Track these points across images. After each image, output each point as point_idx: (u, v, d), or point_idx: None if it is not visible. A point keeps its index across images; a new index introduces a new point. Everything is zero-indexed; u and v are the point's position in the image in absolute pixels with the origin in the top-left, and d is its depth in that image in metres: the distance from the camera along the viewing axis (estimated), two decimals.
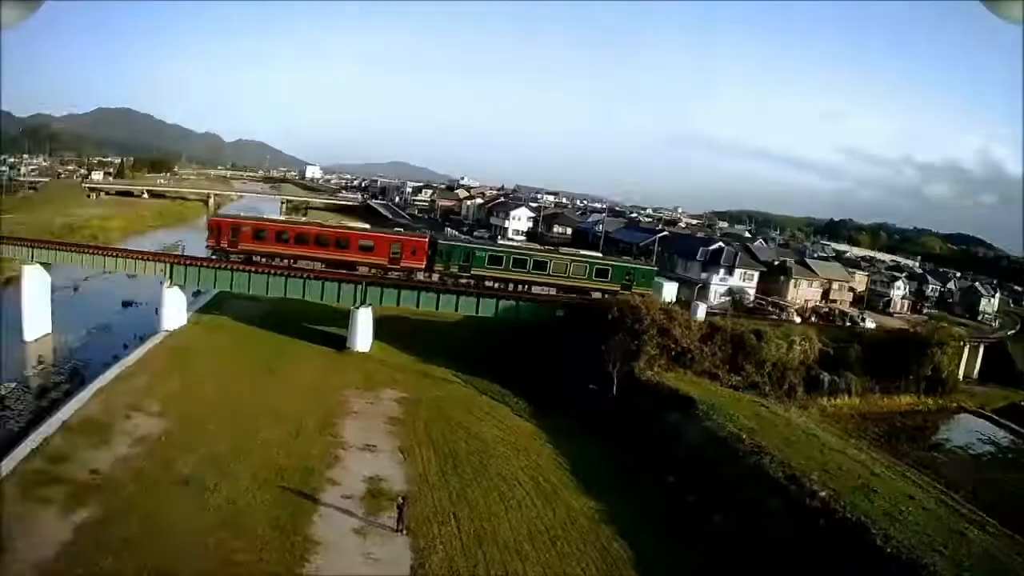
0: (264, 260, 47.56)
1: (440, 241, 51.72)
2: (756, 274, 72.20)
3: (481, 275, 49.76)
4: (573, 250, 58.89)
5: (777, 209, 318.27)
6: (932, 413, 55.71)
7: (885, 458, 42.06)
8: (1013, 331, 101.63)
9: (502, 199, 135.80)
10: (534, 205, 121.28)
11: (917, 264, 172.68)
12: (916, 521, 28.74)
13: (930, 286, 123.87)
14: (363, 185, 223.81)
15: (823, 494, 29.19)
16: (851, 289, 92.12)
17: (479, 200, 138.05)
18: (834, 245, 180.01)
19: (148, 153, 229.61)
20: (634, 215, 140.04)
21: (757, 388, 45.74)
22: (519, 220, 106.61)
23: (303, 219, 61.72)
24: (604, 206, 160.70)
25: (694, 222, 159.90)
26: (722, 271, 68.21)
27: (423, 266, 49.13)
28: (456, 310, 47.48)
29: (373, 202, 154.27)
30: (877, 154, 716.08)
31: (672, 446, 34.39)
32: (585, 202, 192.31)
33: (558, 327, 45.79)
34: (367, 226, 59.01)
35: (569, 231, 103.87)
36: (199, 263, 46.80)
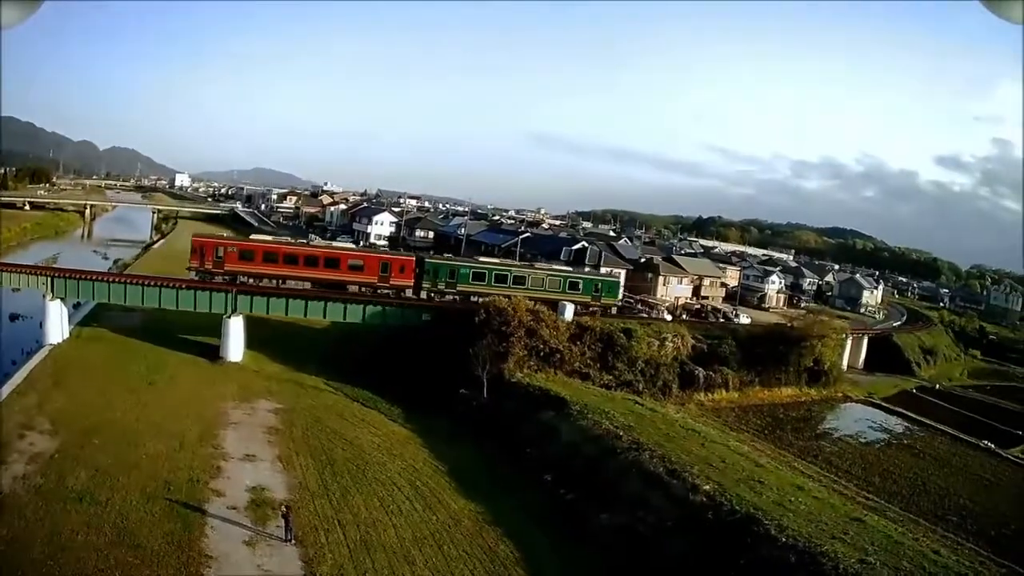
0: (251, 281, 64.49)
1: (427, 260, 71.77)
2: (623, 273, 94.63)
3: (466, 291, 68.95)
4: (547, 265, 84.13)
5: (643, 208, 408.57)
6: (816, 403, 77.24)
7: (770, 449, 57.62)
8: (899, 322, 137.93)
9: (365, 204, 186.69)
10: (396, 210, 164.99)
11: (791, 258, 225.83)
12: (809, 510, 38.47)
13: (806, 280, 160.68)
14: (229, 193, 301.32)
15: (707, 488, 38.12)
16: (723, 285, 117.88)
17: (343, 206, 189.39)
18: (702, 241, 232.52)
19: (28, 162, 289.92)
20: (496, 217, 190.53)
21: (631, 386, 62.62)
22: (381, 225, 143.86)
23: (289, 239, 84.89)
24: (466, 209, 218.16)
25: (557, 223, 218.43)
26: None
27: (411, 283, 68.33)
28: (324, 316, 64.62)
29: (239, 210, 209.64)
30: (749, 153, 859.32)
31: (547, 446, 45.92)
32: (447, 205, 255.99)
33: (427, 331, 61.87)
34: (352, 245, 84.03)
35: (431, 235, 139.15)
36: (78, 275, 61.88)
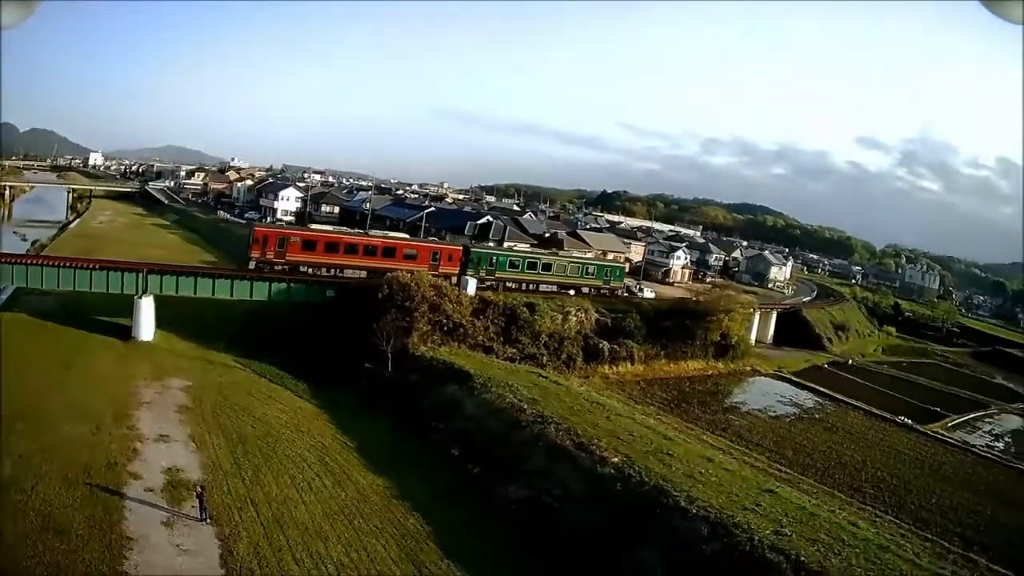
0: (310, 271, 71.74)
1: (472, 249, 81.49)
2: (527, 247, 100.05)
3: (504, 277, 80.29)
4: (567, 252, 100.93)
5: (547, 183, 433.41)
6: (724, 377, 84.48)
7: (677, 422, 61.68)
8: (808, 298, 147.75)
9: (271, 180, 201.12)
10: (302, 185, 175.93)
11: (699, 234, 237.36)
12: (720, 482, 41.11)
13: (713, 255, 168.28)
14: (140, 170, 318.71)
15: (616, 460, 40.74)
16: (627, 259, 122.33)
17: (249, 182, 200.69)
18: (607, 216, 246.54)
19: None
20: (400, 192, 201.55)
21: (534, 359, 68.67)
22: (288, 200, 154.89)
23: (348, 229, 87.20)
24: (371, 184, 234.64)
25: (461, 197, 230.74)
26: (491, 245, 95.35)
27: (458, 271, 76.99)
28: (231, 295, 68.15)
29: (150, 187, 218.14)
30: (657, 129, 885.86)
31: (452, 419, 49.71)
32: (351, 180, 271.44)
33: (333, 307, 66.85)
34: (406, 235, 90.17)
35: (337, 210, 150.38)
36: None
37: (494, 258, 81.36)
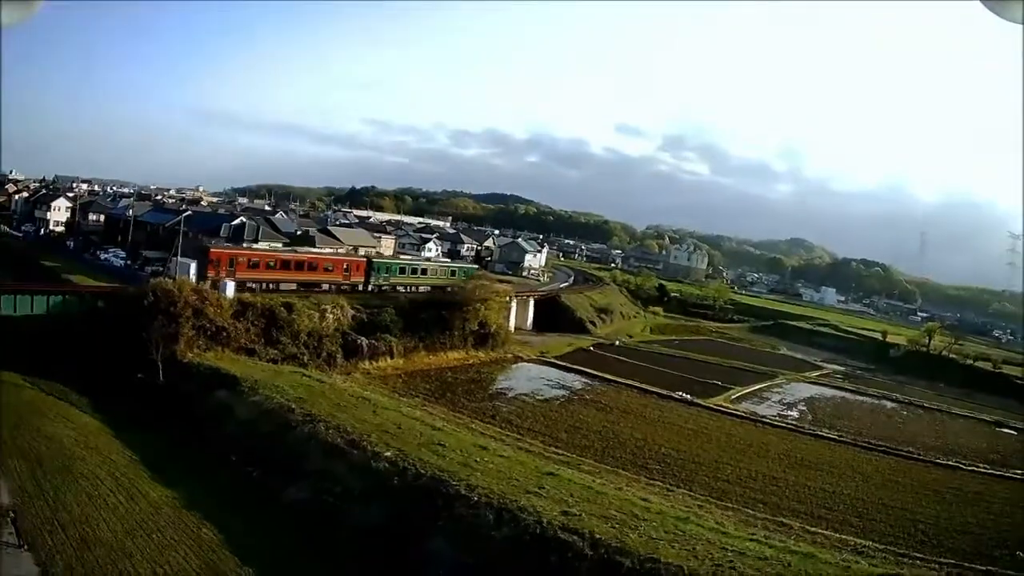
0: (255, 288, 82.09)
1: (373, 260, 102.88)
2: (280, 246, 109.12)
3: (396, 282, 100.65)
4: (435, 258, 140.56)
5: (299, 181, 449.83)
6: (486, 365, 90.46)
7: (444, 412, 64.90)
8: (566, 283, 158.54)
9: (44, 191, 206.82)
10: (71, 195, 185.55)
11: (449, 225, 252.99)
12: (498, 468, 43.98)
13: (465, 245, 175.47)
14: None
15: (389, 454, 43.71)
16: (378, 253, 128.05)
17: (25, 194, 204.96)
18: (356, 212, 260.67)
19: None
20: (159, 197, 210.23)
21: (296, 359, 73.28)
22: (59, 211, 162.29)
23: (281, 247, 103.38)
24: (132, 190, 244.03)
25: (215, 200, 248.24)
26: (247, 246, 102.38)
27: (363, 279, 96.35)
28: (15, 310, 67.93)
29: None
30: (407, 123, 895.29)
31: (226, 425, 52.61)
32: (114, 188, 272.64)
33: (106, 318, 68.27)
34: (325, 250, 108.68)
35: (103, 218, 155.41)
36: None
37: (390, 267, 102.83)
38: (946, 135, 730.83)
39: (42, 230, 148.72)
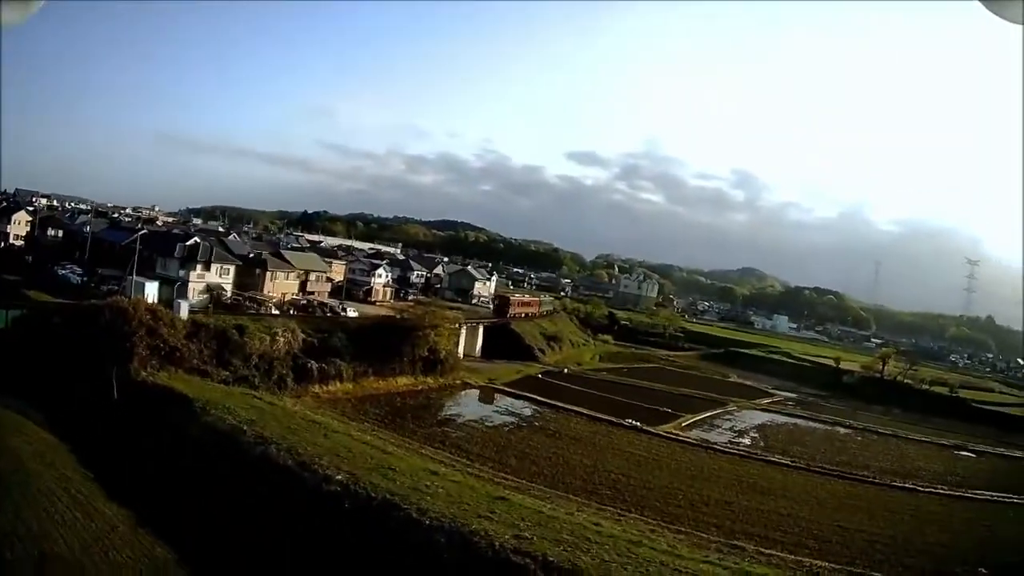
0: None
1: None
2: (232, 268, 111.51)
3: None
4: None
5: (251, 204, 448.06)
6: (435, 391, 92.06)
7: (394, 437, 65.58)
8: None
9: (4, 204, 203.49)
10: (31, 209, 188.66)
11: (399, 251, 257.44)
12: (448, 493, 44.82)
13: (415, 272, 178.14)
14: None
15: (339, 477, 44.41)
16: (329, 279, 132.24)
17: None
18: (308, 236, 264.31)
19: None
20: (116, 215, 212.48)
21: (248, 381, 74.18)
22: (19, 224, 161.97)
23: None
24: (89, 207, 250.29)
25: (171, 219, 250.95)
26: (199, 267, 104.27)
27: None
28: None
29: None
30: (365, 149, 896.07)
31: (177, 444, 53.00)
32: (72, 204, 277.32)
33: (63, 334, 68.07)
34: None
35: (61, 233, 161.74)
36: None
37: None
38: (905, 165, 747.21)
39: (2, 243, 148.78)
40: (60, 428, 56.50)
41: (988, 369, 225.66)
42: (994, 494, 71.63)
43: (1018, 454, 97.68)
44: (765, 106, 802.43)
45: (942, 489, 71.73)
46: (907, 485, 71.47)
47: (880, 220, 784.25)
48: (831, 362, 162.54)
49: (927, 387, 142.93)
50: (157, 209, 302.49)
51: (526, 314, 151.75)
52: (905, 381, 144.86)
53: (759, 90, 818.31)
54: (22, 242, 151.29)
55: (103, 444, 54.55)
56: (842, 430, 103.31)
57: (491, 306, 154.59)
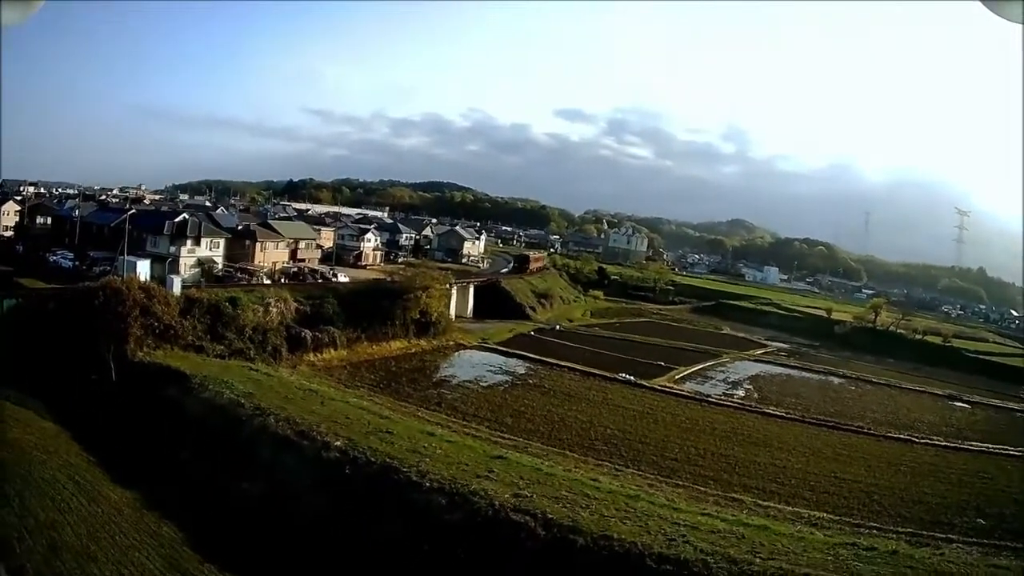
0: None
1: None
2: (222, 241, 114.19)
3: None
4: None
5: (236, 176, 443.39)
6: (428, 353, 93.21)
7: (390, 402, 66.81)
8: (506, 269, 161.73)
9: None
10: (19, 198, 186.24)
11: (386, 215, 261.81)
12: (446, 454, 45.94)
13: (403, 235, 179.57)
14: None
15: (338, 443, 45.49)
16: (319, 246, 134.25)
17: None
18: (295, 205, 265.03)
19: None
20: (104, 197, 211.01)
21: (243, 354, 74.86)
22: (8, 215, 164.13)
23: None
24: (77, 191, 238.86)
25: (157, 197, 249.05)
26: (189, 242, 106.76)
27: None
28: None
29: None
30: (347, 113, 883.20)
31: (177, 421, 53.64)
32: (59, 190, 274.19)
33: (58, 320, 68.07)
34: None
35: (50, 220, 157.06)
36: None
37: None
38: (896, 115, 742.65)
39: None
40: (60, 415, 56.76)
41: (981, 320, 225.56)
42: (991, 446, 71.97)
43: (1013, 405, 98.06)
44: (755, 59, 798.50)
45: (938, 440, 72.22)
46: (902, 436, 72.10)
47: (870, 170, 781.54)
48: (823, 313, 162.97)
49: (920, 337, 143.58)
50: (144, 188, 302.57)
51: (539, 268, 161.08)
52: (898, 331, 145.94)
53: (749, 43, 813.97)
54: (12, 232, 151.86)
55: (104, 428, 54.91)
56: (836, 380, 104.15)
57: (481, 265, 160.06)
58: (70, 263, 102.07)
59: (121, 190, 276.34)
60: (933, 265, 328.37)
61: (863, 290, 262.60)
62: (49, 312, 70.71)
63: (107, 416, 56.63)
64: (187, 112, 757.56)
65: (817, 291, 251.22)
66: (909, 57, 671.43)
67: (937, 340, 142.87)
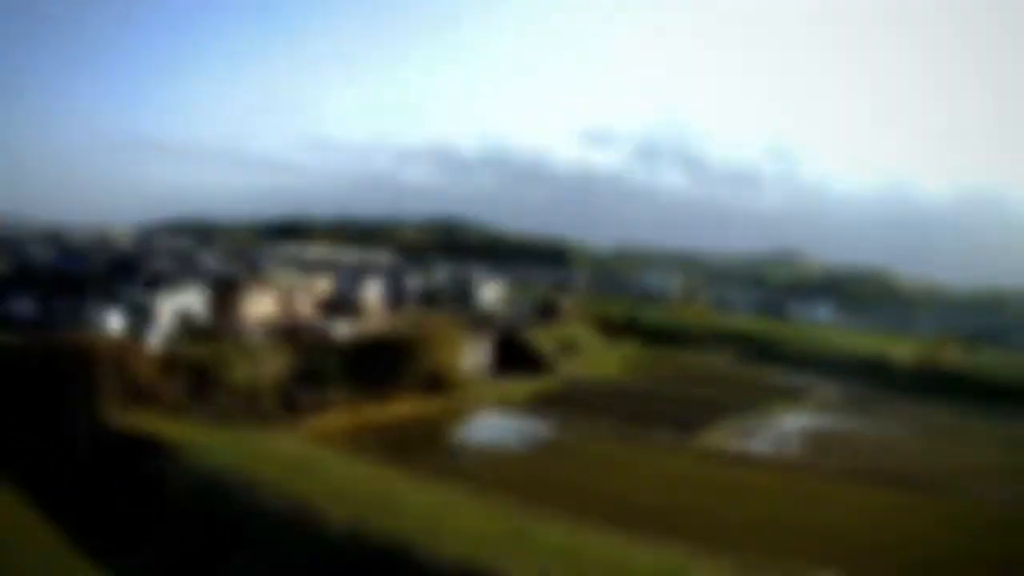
0: None
1: None
2: (205, 290, 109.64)
3: None
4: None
5: (223, 213, 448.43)
6: (440, 414, 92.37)
7: (399, 471, 64.60)
8: (526, 315, 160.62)
9: None
10: None
11: (391, 258, 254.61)
12: (463, 529, 45.68)
13: (409, 281, 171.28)
14: None
15: (342, 521, 45.08)
16: (314, 296, 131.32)
17: None
18: (288, 248, 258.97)
19: None
20: (72, 238, 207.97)
21: (231, 417, 73.63)
22: None
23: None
24: (42, 229, 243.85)
25: (133, 235, 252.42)
26: (167, 291, 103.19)
27: None
28: None
29: None
30: (345, 142, 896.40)
31: (160, 495, 54.11)
32: (22, 229, 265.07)
33: (18, 382, 67.77)
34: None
35: (12, 263, 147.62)
36: None
37: None
38: (957, 125, 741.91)
39: None
40: (31, 492, 56.76)
41: None
42: None
43: None
44: (799, 67, 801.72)
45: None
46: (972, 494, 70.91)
47: (930, 188, 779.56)
48: (880, 353, 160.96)
49: (993, 377, 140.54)
50: (117, 228, 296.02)
51: (562, 314, 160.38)
52: (966, 371, 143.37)
53: (793, 48, 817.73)
54: None
55: (79, 504, 55.23)
56: (896, 431, 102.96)
57: (497, 312, 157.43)
58: (33, 313, 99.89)
59: (93, 229, 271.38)
60: (1006, 290, 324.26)
61: (925, 324, 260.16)
62: (8, 372, 69.24)
63: (81, 492, 57.32)
64: (168, 142, 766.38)
65: (873, 328, 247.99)
66: (975, 59, 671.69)
67: (1015, 379, 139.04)
